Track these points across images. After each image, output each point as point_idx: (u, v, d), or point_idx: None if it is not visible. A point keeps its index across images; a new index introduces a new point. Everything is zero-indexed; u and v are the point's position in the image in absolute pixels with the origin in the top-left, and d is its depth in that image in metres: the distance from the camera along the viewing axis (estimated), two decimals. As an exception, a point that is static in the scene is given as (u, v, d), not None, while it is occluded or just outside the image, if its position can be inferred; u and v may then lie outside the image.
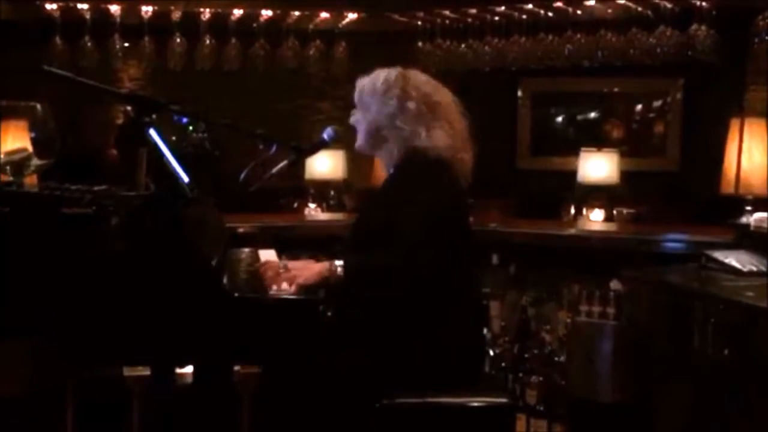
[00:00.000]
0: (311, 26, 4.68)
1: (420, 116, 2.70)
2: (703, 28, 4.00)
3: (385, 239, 2.56)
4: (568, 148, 4.59)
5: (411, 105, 2.70)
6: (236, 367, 2.85)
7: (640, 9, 4.13)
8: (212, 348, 2.33)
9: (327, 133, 2.89)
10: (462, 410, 2.58)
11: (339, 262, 2.62)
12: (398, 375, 2.55)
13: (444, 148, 2.68)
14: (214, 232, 2.82)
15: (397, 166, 2.72)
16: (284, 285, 2.60)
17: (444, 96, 2.77)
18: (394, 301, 2.55)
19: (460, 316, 2.65)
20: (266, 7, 4.54)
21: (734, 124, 3.94)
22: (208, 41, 4.57)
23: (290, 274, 2.61)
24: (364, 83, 2.79)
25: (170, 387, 2.56)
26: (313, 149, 2.98)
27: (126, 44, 4.55)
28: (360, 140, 2.82)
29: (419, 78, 2.78)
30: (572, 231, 4.23)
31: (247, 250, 3.06)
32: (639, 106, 4.63)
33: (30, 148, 2.49)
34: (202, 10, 4.51)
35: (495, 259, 4.27)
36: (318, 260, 2.87)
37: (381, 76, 2.76)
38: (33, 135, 2.53)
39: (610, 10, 4.20)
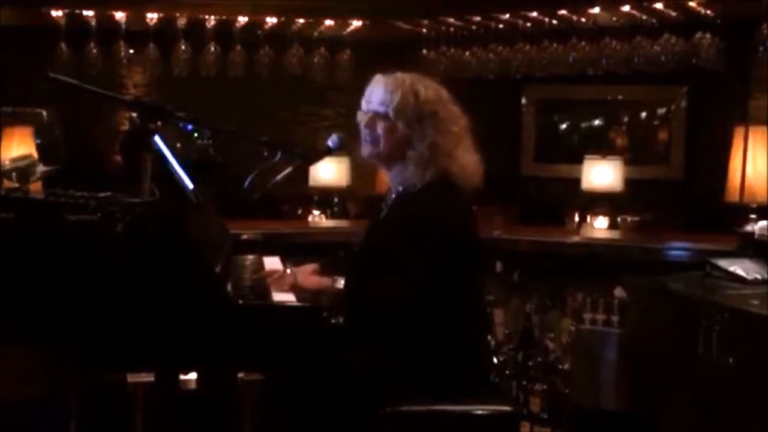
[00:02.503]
0: (316, 33, 4.69)
1: (459, 138, 2.64)
2: (708, 36, 4.00)
3: (397, 262, 2.55)
4: (572, 155, 4.60)
5: (454, 128, 2.63)
6: (239, 374, 2.85)
7: (644, 17, 4.13)
8: (215, 354, 2.33)
9: (332, 141, 2.87)
10: (466, 418, 2.58)
11: (341, 279, 2.63)
12: (403, 382, 2.55)
13: (473, 173, 2.65)
14: (218, 238, 2.82)
15: (423, 189, 2.65)
16: (285, 287, 2.62)
17: (461, 112, 2.73)
18: (393, 319, 2.55)
19: (465, 324, 2.65)
20: (271, 15, 4.55)
21: (738, 132, 3.94)
22: (212, 48, 4.58)
23: (290, 276, 2.67)
24: (402, 94, 2.63)
25: (173, 393, 2.56)
26: (318, 156, 2.97)
27: (131, 51, 4.56)
28: (371, 151, 2.73)
29: (445, 94, 2.69)
30: (576, 238, 4.23)
31: (251, 256, 3.06)
32: (643, 114, 4.64)
33: (35, 155, 2.49)
34: (207, 17, 4.52)
35: (499, 266, 4.26)
36: (320, 264, 2.89)
37: (420, 91, 2.63)
38: (38, 141, 2.53)
39: (614, 18, 4.21)
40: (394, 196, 2.73)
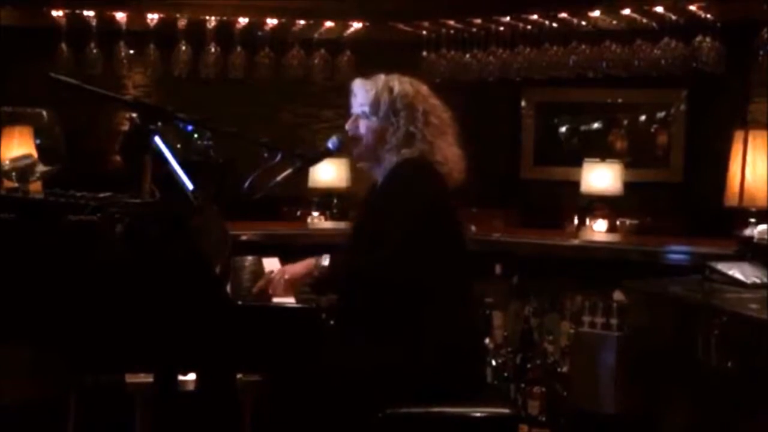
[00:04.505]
0: (316, 35, 4.69)
1: (440, 130, 2.71)
2: (708, 40, 4.01)
3: (376, 234, 2.60)
4: (572, 158, 4.60)
5: (433, 119, 2.71)
6: (238, 375, 2.85)
7: (645, 21, 4.14)
8: (215, 355, 2.33)
9: (332, 142, 2.88)
10: (464, 420, 2.58)
11: (325, 256, 2.69)
12: (400, 384, 2.55)
13: (455, 168, 2.71)
14: (218, 239, 2.82)
15: (395, 172, 2.71)
16: (278, 290, 2.64)
17: (444, 107, 2.80)
18: (375, 300, 2.58)
19: (454, 321, 2.65)
20: (271, 16, 4.55)
21: (738, 136, 3.94)
22: (213, 49, 4.58)
23: (277, 276, 2.70)
24: (377, 92, 2.74)
25: (173, 394, 2.56)
26: (318, 158, 2.99)
27: (131, 51, 4.56)
28: (366, 150, 2.79)
29: (425, 88, 2.79)
30: (575, 241, 4.23)
31: (250, 258, 3.06)
32: (643, 117, 4.64)
33: (35, 155, 2.49)
34: (207, 18, 4.53)
35: (498, 269, 4.26)
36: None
37: (395, 86, 2.73)
38: (38, 142, 2.53)
39: (614, 22, 4.21)
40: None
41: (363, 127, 2.77)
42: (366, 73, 2.86)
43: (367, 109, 2.76)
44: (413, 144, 2.69)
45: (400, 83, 2.75)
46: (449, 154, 2.72)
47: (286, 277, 2.70)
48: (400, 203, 2.61)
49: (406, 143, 2.70)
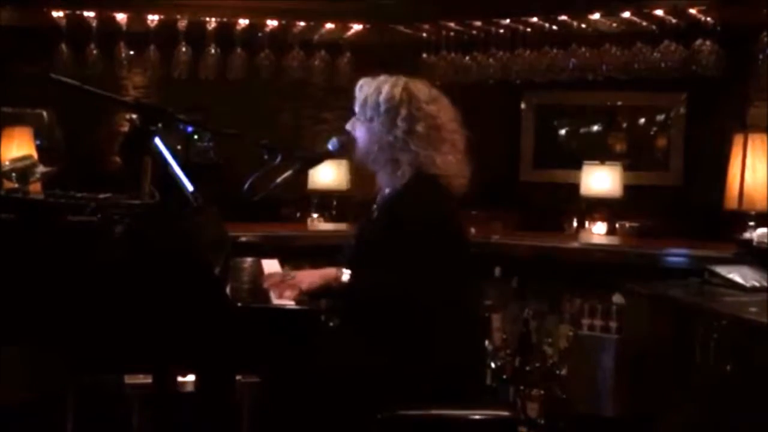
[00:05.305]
0: (316, 37, 4.70)
1: (429, 139, 2.67)
2: (708, 43, 4.01)
3: (384, 256, 2.57)
4: (572, 161, 4.60)
5: (419, 128, 2.64)
6: (237, 376, 2.85)
7: (644, 24, 4.15)
8: (214, 356, 2.33)
9: (332, 144, 2.88)
10: (463, 423, 2.58)
11: (346, 271, 2.62)
12: (396, 386, 2.55)
13: (454, 176, 2.67)
14: (217, 241, 2.82)
15: (405, 186, 2.68)
16: (287, 292, 2.59)
17: (446, 113, 2.73)
18: (388, 315, 2.57)
19: (457, 327, 2.65)
20: (272, 18, 4.56)
21: (737, 140, 3.95)
22: (213, 50, 4.59)
23: (294, 281, 2.62)
24: (367, 92, 2.73)
25: (171, 395, 2.56)
26: (318, 159, 2.98)
27: (131, 52, 4.57)
28: (360, 154, 2.78)
29: (423, 93, 2.71)
30: (575, 244, 4.23)
31: (250, 259, 3.06)
32: (642, 120, 4.64)
33: (35, 156, 2.49)
34: (207, 19, 4.53)
35: (497, 271, 4.26)
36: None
37: (384, 89, 2.69)
38: (38, 142, 2.54)
39: (614, 25, 4.22)
40: (380, 198, 2.77)
41: (356, 128, 2.76)
42: (365, 74, 2.85)
43: (357, 109, 2.75)
44: (395, 154, 2.64)
45: (392, 86, 2.68)
46: (446, 162, 2.66)
47: (303, 288, 2.58)
48: (405, 231, 2.57)
49: (390, 152, 2.66)
